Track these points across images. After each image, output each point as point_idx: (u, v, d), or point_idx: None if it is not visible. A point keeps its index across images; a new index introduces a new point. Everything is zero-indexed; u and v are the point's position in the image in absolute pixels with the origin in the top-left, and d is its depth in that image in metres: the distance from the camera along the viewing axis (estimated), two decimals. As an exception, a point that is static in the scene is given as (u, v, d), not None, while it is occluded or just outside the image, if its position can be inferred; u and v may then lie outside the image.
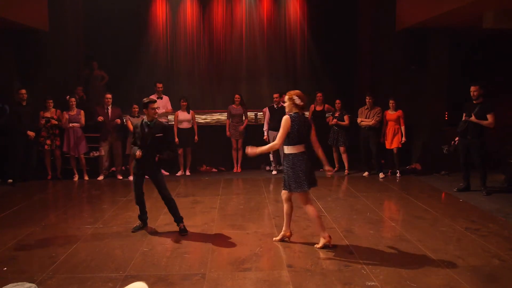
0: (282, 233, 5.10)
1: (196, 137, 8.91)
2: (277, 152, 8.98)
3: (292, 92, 4.78)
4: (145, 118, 5.43)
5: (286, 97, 4.77)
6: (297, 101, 4.68)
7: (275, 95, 9.03)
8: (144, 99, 5.44)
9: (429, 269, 4.26)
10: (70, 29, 10.14)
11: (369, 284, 3.95)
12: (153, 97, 8.91)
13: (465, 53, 10.20)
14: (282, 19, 11.91)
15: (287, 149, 4.74)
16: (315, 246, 4.86)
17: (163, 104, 8.92)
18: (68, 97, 8.76)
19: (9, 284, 3.05)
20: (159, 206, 6.61)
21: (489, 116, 6.96)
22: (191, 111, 8.93)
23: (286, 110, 4.78)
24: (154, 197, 7.29)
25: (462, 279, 4.01)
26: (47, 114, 8.45)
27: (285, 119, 4.65)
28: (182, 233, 5.38)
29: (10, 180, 8.15)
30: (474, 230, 5.38)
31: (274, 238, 5.13)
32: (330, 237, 4.83)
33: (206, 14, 11.84)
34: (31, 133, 8.24)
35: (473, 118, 7.06)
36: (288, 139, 4.68)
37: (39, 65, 9.24)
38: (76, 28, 10.54)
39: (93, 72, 10.69)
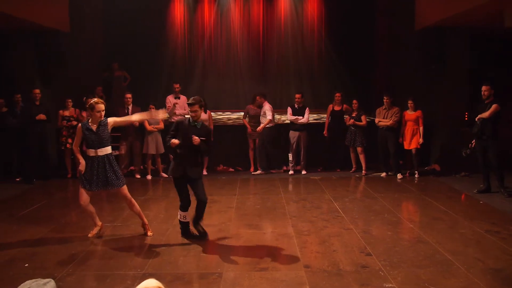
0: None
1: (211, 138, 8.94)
2: (296, 152, 8.97)
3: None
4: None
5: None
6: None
7: (297, 95, 9.04)
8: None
9: (448, 271, 4.20)
10: (90, 30, 10.26)
11: (386, 286, 3.92)
12: (171, 97, 9.05)
13: (486, 52, 10.00)
14: (299, 19, 11.88)
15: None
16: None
17: (181, 104, 8.98)
18: (84, 98, 8.84)
19: (28, 281, 3.14)
20: (176, 206, 6.67)
21: (491, 107, 6.91)
22: (208, 111, 8.95)
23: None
24: (171, 196, 7.38)
25: (482, 282, 3.95)
26: (66, 113, 8.64)
27: (78, 127, 5.21)
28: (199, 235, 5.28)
29: (29, 179, 8.27)
30: (495, 233, 5.29)
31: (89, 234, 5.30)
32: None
33: (224, 14, 11.89)
34: (41, 116, 8.29)
35: (479, 115, 7.03)
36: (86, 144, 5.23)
37: (60, 65, 9.38)
38: (96, 29, 10.68)
39: (114, 73, 10.81)
